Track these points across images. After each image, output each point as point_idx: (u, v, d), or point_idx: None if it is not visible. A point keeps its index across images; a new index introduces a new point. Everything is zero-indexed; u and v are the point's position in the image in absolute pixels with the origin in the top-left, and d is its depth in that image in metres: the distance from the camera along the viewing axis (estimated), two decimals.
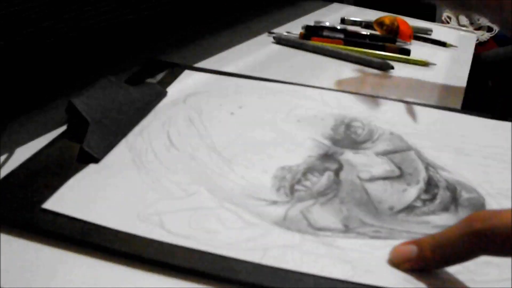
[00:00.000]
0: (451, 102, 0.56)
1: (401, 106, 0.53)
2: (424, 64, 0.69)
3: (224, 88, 0.55)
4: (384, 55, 0.70)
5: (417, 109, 0.52)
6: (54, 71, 0.55)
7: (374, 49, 0.72)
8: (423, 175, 0.41)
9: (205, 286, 0.30)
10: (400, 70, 0.67)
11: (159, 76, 0.57)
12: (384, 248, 0.33)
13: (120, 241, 0.32)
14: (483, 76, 0.52)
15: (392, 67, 0.66)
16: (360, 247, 0.33)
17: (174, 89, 0.54)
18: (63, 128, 0.46)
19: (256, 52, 0.71)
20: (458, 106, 0.56)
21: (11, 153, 0.42)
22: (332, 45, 0.72)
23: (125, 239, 0.33)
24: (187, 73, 0.59)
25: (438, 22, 1.13)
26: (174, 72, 0.58)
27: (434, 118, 0.50)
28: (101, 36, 0.57)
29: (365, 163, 0.42)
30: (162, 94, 0.52)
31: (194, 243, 0.32)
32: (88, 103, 0.44)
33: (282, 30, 0.78)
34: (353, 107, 0.52)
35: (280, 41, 0.74)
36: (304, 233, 0.34)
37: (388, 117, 0.50)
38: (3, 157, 0.42)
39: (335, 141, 0.45)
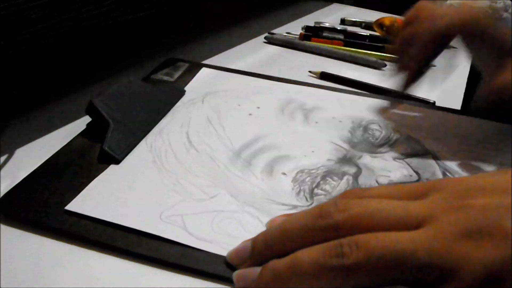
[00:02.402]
0: (450, 103, 0.56)
1: (418, 109, 0.53)
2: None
3: (242, 88, 0.55)
4: (376, 55, 0.70)
5: (435, 113, 0.52)
6: (54, 71, 0.55)
7: (373, 50, 0.72)
8: None
9: None
10: None
11: (177, 75, 0.57)
12: None
13: (144, 245, 0.33)
14: (478, 75, 0.52)
15: (385, 65, 0.66)
16: None
17: (192, 88, 0.55)
18: (64, 128, 0.47)
19: (255, 52, 0.71)
20: (457, 107, 0.56)
21: (11, 153, 0.43)
22: (325, 45, 0.72)
23: (148, 243, 0.33)
24: (204, 71, 0.59)
25: None
26: (191, 70, 0.59)
27: (451, 122, 0.50)
28: (101, 36, 0.57)
29: (383, 167, 0.43)
30: (180, 93, 0.53)
31: (217, 247, 0.33)
32: (108, 103, 0.45)
33: (282, 31, 0.78)
34: (370, 110, 0.52)
35: (273, 41, 0.74)
36: None
37: (406, 120, 0.50)
38: (3, 157, 0.42)
39: (353, 144, 0.46)
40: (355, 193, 0.30)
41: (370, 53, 0.70)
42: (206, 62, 0.65)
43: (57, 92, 0.53)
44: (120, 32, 0.59)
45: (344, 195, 0.30)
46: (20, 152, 0.43)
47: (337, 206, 0.28)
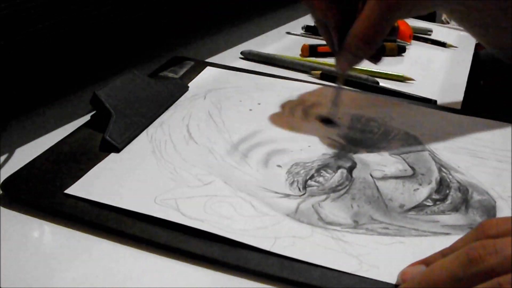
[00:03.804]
0: (450, 103, 0.56)
1: (417, 107, 0.53)
2: (401, 79, 0.64)
3: (244, 85, 0.56)
4: (367, 70, 0.65)
5: (434, 111, 0.53)
6: (54, 71, 0.55)
7: None
8: (435, 175, 0.42)
9: (216, 272, 0.32)
10: (399, 69, 0.67)
11: (181, 72, 0.58)
12: (391, 245, 0.34)
13: (137, 227, 0.34)
14: (477, 75, 0.52)
15: (377, 82, 0.62)
16: (368, 242, 0.34)
17: (195, 85, 0.56)
18: (64, 128, 0.48)
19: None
20: (458, 107, 0.56)
21: (11, 153, 0.43)
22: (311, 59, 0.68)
23: (142, 225, 0.34)
24: (208, 69, 0.60)
25: (438, 22, 1.13)
26: (196, 68, 0.60)
27: (450, 121, 0.51)
28: (101, 36, 0.58)
29: (379, 162, 0.43)
30: (183, 89, 0.54)
31: (208, 226, 0.34)
32: (111, 95, 0.46)
33: (282, 31, 0.78)
34: (369, 107, 0.52)
35: (248, 56, 0.68)
36: (315, 226, 0.35)
37: (404, 117, 0.51)
38: (3, 157, 0.43)
39: (350, 140, 0.46)
40: (491, 224, 0.28)
41: (362, 69, 0.65)
42: (209, 60, 0.66)
43: (57, 92, 0.54)
44: (121, 32, 0.60)
45: (484, 228, 0.28)
46: (20, 152, 0.44)
47: (486, 249, 0.25)
